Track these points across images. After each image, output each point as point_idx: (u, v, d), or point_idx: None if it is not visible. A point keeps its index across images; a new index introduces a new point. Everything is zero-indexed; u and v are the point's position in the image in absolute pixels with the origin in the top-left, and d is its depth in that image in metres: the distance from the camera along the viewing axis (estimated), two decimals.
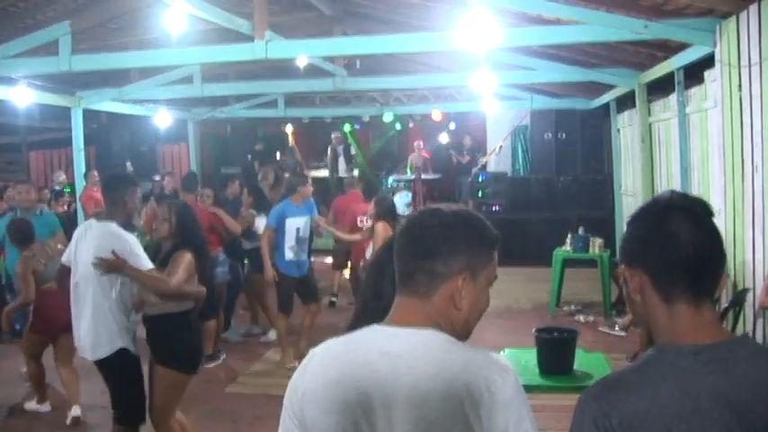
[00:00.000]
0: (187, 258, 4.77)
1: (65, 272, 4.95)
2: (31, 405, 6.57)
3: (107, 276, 4.62)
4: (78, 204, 11.20)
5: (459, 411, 1.55)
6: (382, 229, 7.02)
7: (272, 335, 8.63)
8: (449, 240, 1.71)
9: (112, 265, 4.53)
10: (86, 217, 10.62)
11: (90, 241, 4.70)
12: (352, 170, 16.98)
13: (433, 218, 1.75)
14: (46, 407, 6.52)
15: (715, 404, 1.47)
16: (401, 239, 1.77)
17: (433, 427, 1.56)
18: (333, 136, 17.89)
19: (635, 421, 1.48)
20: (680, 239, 1.58)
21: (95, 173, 11.97)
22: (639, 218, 1.69)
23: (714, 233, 1.62)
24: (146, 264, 4.69)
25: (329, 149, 17.82)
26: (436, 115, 16.19)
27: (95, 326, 4.67)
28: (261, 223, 8.44)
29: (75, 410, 6.18)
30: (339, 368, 1.67)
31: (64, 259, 4.99)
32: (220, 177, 15.77)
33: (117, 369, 4.73)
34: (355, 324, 1.89)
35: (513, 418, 1.55)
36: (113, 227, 4.75)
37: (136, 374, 4.78)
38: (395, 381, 1.60)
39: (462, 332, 1.74)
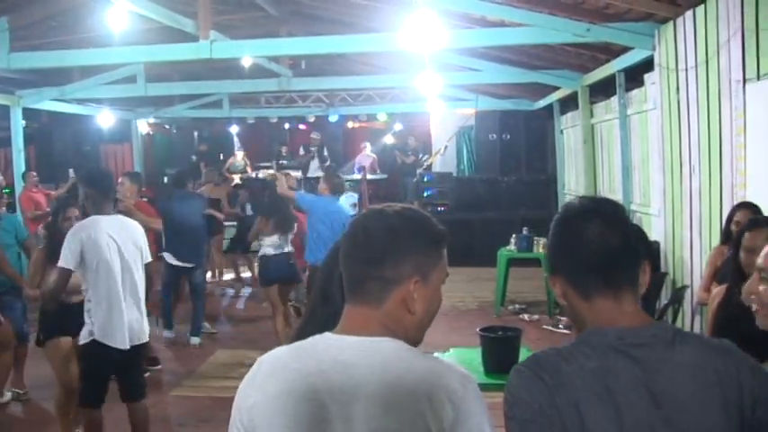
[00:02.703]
0: None
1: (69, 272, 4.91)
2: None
3: (141, 266, 4.95)
4: (17, 206, 10.93)
5: (419, 422, 1.50)
6: None
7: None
8: (396, 244, 1.65)
9: None
10: (25, 218, 10.40)
11: (123, 234, 4.90)
12: (325, 171, 16.93)
13: (377, 221, 1.69)
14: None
15: (634, 386, 1.56)
16: (346, 246, 1.71)
17: None
18: (311, 136, 17.78)
19: (567, 383, 1.57)
20: (586, 239, 1.66)
21: (34, 173, 11.70)
22: (553, 229, 1.77)
23: (622, 227, 1.69)
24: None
25: (301, 148, 17.70)
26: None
27: (141, 312, 4.95)
28: None
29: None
30: (290, 378, 1.61)
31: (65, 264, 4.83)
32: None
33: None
34: (304, 329, 1.84)
35: (475, 427, 1.53)
36: (131, 221, 5.13)
37: None
38: (351, 391, 1.55)
39: (416, 336, 1.70)
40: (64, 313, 5.26)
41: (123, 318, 4.78)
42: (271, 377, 1.64)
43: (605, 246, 1.65)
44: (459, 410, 1.52)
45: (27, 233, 7.07)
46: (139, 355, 5.02)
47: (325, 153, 17.82)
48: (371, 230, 1.68)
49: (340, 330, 1.67)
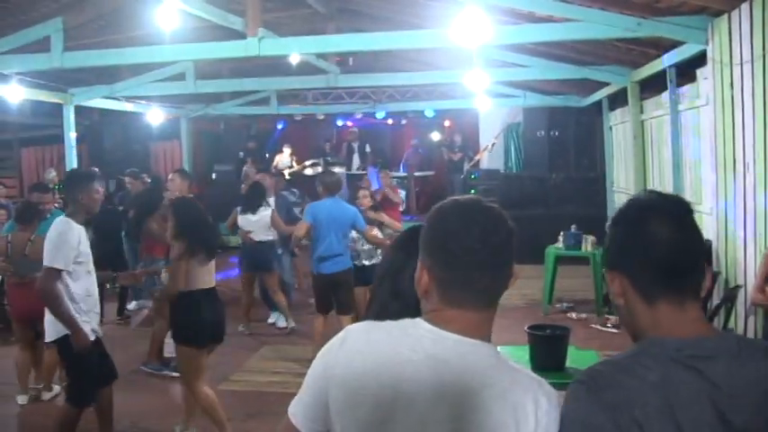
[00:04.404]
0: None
1: None
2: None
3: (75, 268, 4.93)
4: None
5: (501, 429, 1.49)
6: None
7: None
8: (508, 249, 1.64)
9: None
10: None
11: None
12: (365, 167, 17.07)
13: (490, 226, 1.64)
14: (21, 399, 6.68)
15: (697, 402, 1.47)
16: (453, 248, 1.61)
17: None
18: (350, 131, 17.85)
19: (627, 399, 1.48)
20: (657, 239, 1.58)
21: (95, 170, 11.93)
22: (618, 222, 1.70)
23: (692, 231, 1.62)
24: (52, 259, 4.81)
25: (344, 145, 17.75)
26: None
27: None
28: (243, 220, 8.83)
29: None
30: (378, 360, 1.59)
31: None
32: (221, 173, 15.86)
33: (64, 351, 5.05)
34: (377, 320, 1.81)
35: None
36: (59, 219, 5.06)
37: (79, 357, 4.97)
38: (438, 387, 1.53)
39: None
40: None
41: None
42: (359, 354, 1.63)
43: (677, 248, 1.57)
44: (540, 424, 1.50)
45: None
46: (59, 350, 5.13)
47: (367, 148, 17.82)
48: (491, 239, 1.62)
49: (436, 322, 1.62)
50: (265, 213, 8.75)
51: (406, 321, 1.66)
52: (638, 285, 1.61)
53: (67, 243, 4.83)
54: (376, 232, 7.58)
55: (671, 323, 1.57)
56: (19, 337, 6.72)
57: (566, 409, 1.54)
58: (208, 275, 5.45)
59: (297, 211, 9.91)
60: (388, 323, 1.68)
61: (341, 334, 1.71)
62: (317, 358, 1.70)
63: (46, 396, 6.71)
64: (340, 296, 7.30)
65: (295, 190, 11.67)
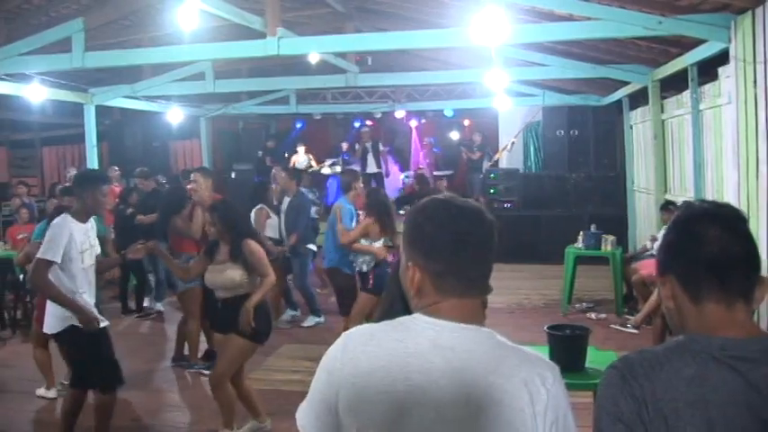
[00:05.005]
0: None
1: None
2: (41, 391, 6.80)
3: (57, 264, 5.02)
4: None
5: (518, 406, 1.54)
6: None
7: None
8: (495, 237, 1.71)
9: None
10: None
11: None
12: (380, 166, 17.06)
13: (483, 219, 1.71)
14: (52, 393, 6.76)
15: (733, 402, 1.46)
16: (453, 244, 1.67)
17: (493, 422, 1.54)
18: (362, 131, 17.80)
19: (658, 391, 1.51)
20: (706, 239, 1.59)
21: (116, 168, 12.04)
22: (671, 228, 1.72)
23: (744, 235, 1.63)
24: (42, 251, 4.93)
25: (357, 145, 17.72)
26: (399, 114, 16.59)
27: (52, 307, 5.14)
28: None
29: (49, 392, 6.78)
30: (386, 356, 1.62)
31: None
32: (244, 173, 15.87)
33: (63, 345, 5.39)
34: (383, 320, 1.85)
35: (561, 412, 1.57)
36: (60, 217, 5.18)
37: (85, 346, 5.13)
38: (449, 374, 1.57)
39: None
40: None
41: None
42: (364, 354, 1.65)
43: (725, 250, 1.58)
44: (550, 396, 1.56)
45: (104, 229, 7.30)
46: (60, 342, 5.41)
47: (381, 147, 17.75)
48: (484, 226, 1.71)
49: (434, 314, 1.67)
50: (251, 213, 8.86)
51: (404, 318, 1.70)
52: (687, 285, 1.63)
53: (58, 237, 4.97)
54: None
55: (717, 322, 1.58)
56: (34, 335, 6.81)
57: (598, 395, 1.62)
58: None
59: (313, 210, 9.89)
60: (387, 322, 1.72)
61: (340, 339, 1.74)
62: (319, 368, 1.73)
63: None
64: (336, 294, 7.67)
65: (314, 189, 11.68)
